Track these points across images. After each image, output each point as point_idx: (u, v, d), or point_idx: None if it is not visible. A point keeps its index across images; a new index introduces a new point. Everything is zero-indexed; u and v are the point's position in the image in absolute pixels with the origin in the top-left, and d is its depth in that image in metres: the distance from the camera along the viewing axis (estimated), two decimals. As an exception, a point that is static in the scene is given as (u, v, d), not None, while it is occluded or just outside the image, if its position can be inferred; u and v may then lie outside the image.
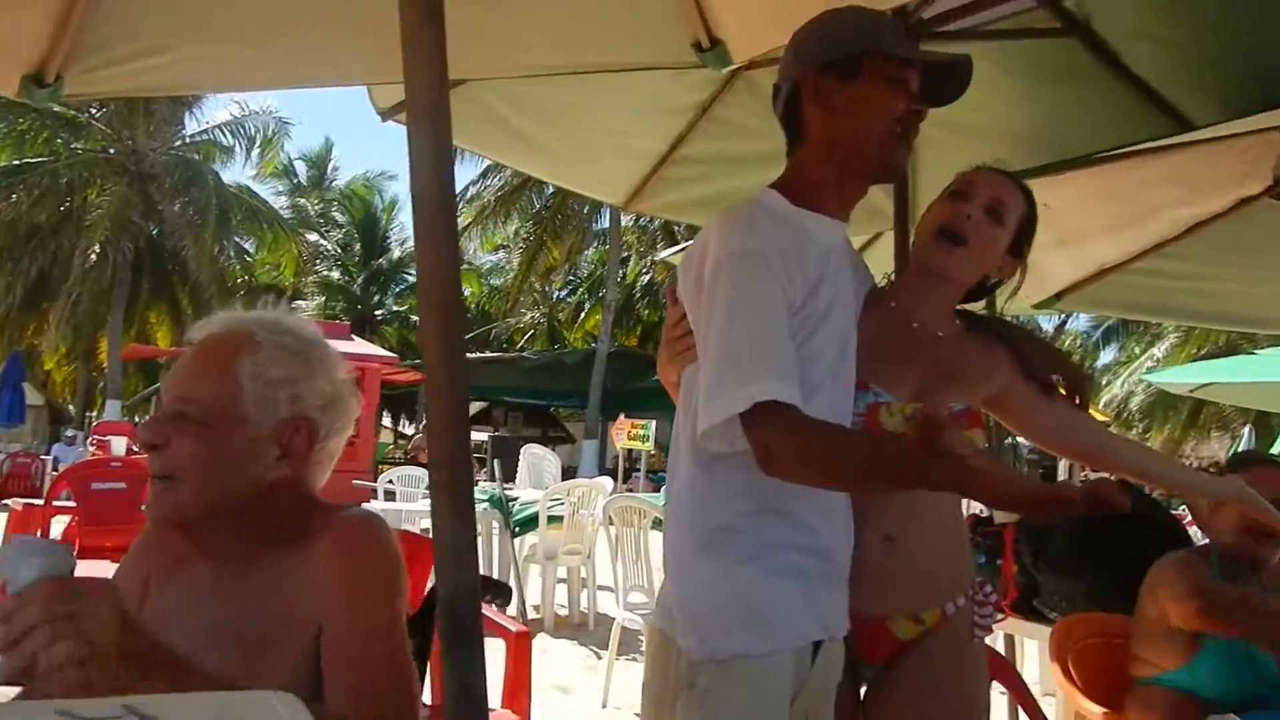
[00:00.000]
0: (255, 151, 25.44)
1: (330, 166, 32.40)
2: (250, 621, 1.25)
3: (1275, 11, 2.22)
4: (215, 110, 24.97)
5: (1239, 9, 2.28)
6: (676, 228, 22.60)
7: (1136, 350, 26.38)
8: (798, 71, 1.54)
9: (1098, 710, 2.37)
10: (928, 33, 2.57)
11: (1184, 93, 2.68)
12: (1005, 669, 2.51)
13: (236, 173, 34.06)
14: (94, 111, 22.63)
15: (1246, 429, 15.57)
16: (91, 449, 12.71)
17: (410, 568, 1.33)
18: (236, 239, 25.62)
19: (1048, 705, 2.58)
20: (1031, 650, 4.61)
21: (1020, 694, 2.50)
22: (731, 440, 1.35)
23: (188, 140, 24.80)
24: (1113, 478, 1.76)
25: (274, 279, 27.84)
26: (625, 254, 26.31)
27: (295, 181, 31.31)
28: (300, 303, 27.86)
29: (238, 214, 24.19)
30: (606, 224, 24.98)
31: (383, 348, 21.35)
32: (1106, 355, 28.27)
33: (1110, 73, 2.72)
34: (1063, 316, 22.57)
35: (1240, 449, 13.73)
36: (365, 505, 7.07)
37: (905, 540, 1.66)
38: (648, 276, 26.70)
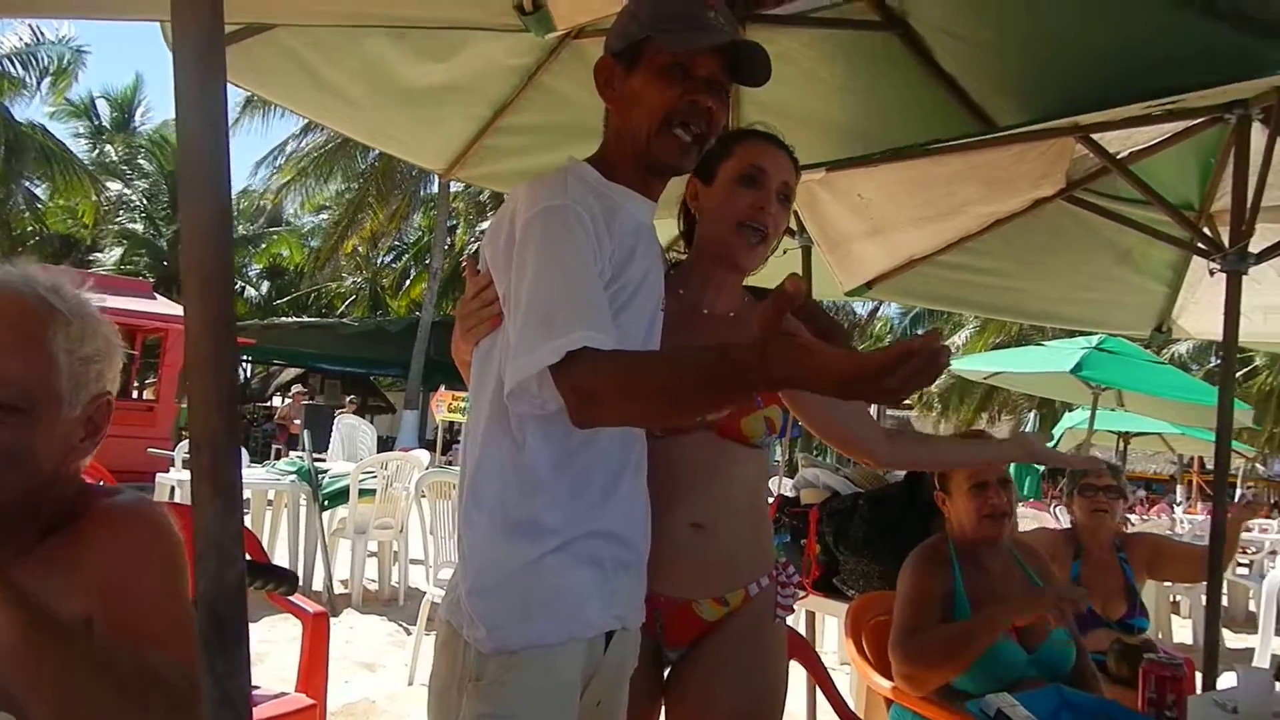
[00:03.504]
0: (46, 82, 23.12)
1: (139, 110, 29.91)
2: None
3: (1074, 21, 2.33)
4: (3, 33, 22.55)
5: (1042, 15, 2.38)
6: (506, 197, 22.27)
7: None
8: (603, 56, 1.51)
9: (886, 685, 2.47)
10: (753, 16, 2.56)
11: (989, 94, 2.80)
12: (803, 648, 2.58)
13: (33, 110, 30.89)
14: None
15: (1032, 414, 16.89)
16: None
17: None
18: (26, 183, 23.31)
19: (845, 675, 2.67)
20: (831, 625, 4.82)
21: (817, 672, 2.57)
22: (544, 400, 1.27)
23: (-31, 68, 22.37)
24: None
25: (70, 228, 25.50)
26: (453, 222, 25.69)
27: (97, 123, 28.69)
28: (97, 255, 25.75)
29: (30, 153, 21.94)
30: (435, 190, 24.28)
31: (189, 308, 20.02)
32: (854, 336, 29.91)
33: (924, 69, 2.80)
34: (876, 303, 23.73)
35: (1026, 430, 14.86)
36: (164, 474, 6.64)
37: (713, 527, 1.67)
38: (476, 245, 26.21)
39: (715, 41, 1.42)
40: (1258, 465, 28.06)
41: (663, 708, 1.77)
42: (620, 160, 1.49)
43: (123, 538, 1.20)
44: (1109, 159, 3.00)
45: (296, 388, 15.24)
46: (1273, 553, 7.32)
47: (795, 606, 1.86)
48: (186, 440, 9.23)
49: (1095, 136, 2.95)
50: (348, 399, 13.91)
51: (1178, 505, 15.89)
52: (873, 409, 1.84)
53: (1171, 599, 7.47)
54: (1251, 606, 8.30)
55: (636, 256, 1.45)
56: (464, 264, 1.72)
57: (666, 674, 1.77)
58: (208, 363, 0.99)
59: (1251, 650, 5.94)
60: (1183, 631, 7.46)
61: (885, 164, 2.95)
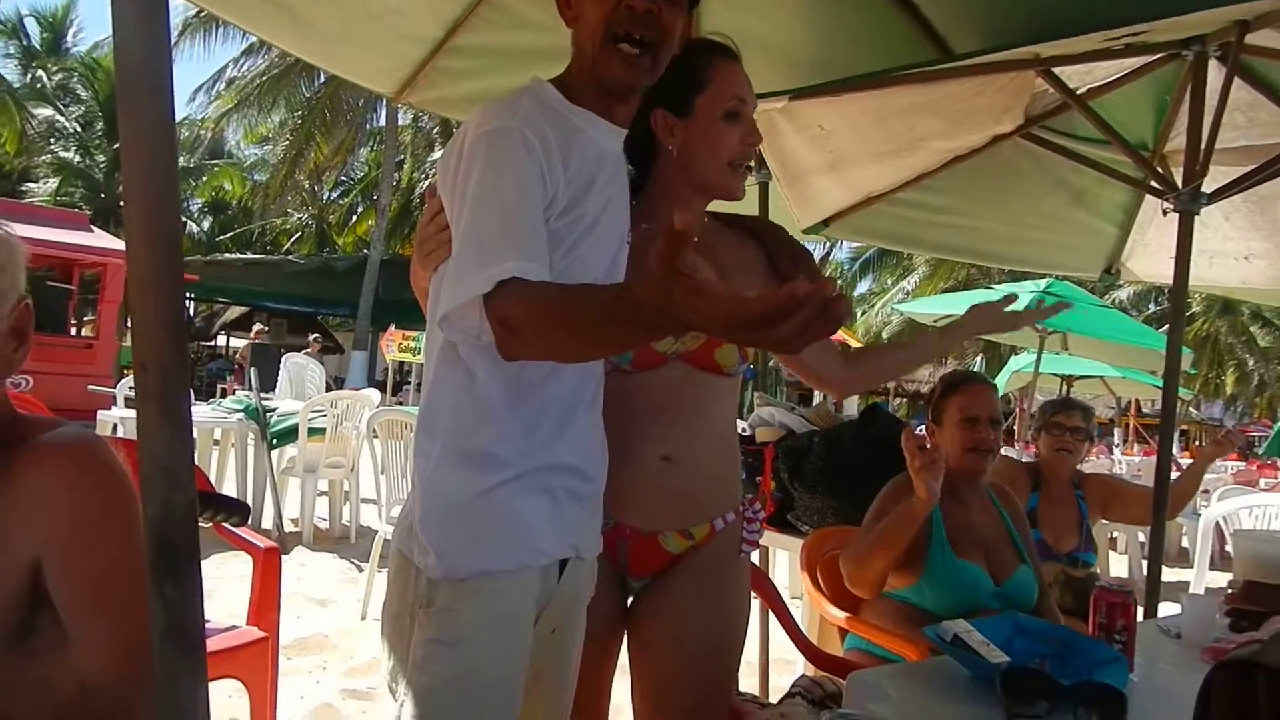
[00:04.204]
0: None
1: (71, 30, 28.62)
2: None
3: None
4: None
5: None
6: (455, 129, 21.83)
7: (889, 282, 28.42)
8: None
9: (840, 616, 2.51)
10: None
11: (953, 25, 2.75)
12: (761, 579, 2.61)
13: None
14: None
15: (979, 358, 17.20)
16: None
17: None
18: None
19: (795, 608, 2.72)
20: (783, 559, 4.89)
21: (774, 602, 2.60)
22: (478, 331, 1.23)
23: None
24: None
25: (-3, 157, 24.48)
26: (400, 157, 25.14)
27: (26, 44, 27.42)
28: (30, 185, 24.80)
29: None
30: (383, 122, 23.67)
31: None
32: (863, 285, 30.25)
33: (887, -4, 2.75)
34: (827, 246, 23.82)
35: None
36: (106, 412, 6.51)
37: (684, 460, 1.67)
38: (426, 181, 25.72)
39: None
40: (1191, 409, 28.97)
41: (625, 636, 1.77)
42: (581, 82, 1.43)
43: (71, 482, 1.13)
44: (1068, 94, 2.99)
45: (257, 326, 14.95)
46: (1205, 491, 7.56)
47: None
48: (128, 376, 9.07)
49: (1055, 71, 2.94)
50: (311, 338, 13.70)
51: (1116, 447, 16.37)
52: None
53: (1110, 535, 7.71)
54: (1184, 543, 8.61)
55: (597, 185, 1.41)
56: (425, 194, 1.67)
57: (630, 603, 1.77)
58: (152, 282, 0.94)
59: (1184, 583, 6.16)
60: (1119, 566, 7.72)
61: (848, 93, 2.91)
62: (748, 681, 2.77)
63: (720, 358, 1.67)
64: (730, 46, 1.66)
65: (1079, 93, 3.07)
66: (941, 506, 2.40)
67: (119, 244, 14.72)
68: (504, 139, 1.28)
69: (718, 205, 1.75)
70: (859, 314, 27.21)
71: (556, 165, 1.32)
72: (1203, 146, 2.82)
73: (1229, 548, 5.07)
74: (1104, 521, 3.66)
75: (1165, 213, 2.95)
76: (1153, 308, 27.57)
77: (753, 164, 1.67)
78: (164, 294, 0.97)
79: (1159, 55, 2.92)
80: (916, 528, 2.24)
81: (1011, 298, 2.04)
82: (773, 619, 2.65)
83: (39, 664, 1.14)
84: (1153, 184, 3.11)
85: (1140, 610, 2.29)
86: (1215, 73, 2.81)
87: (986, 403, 2.49)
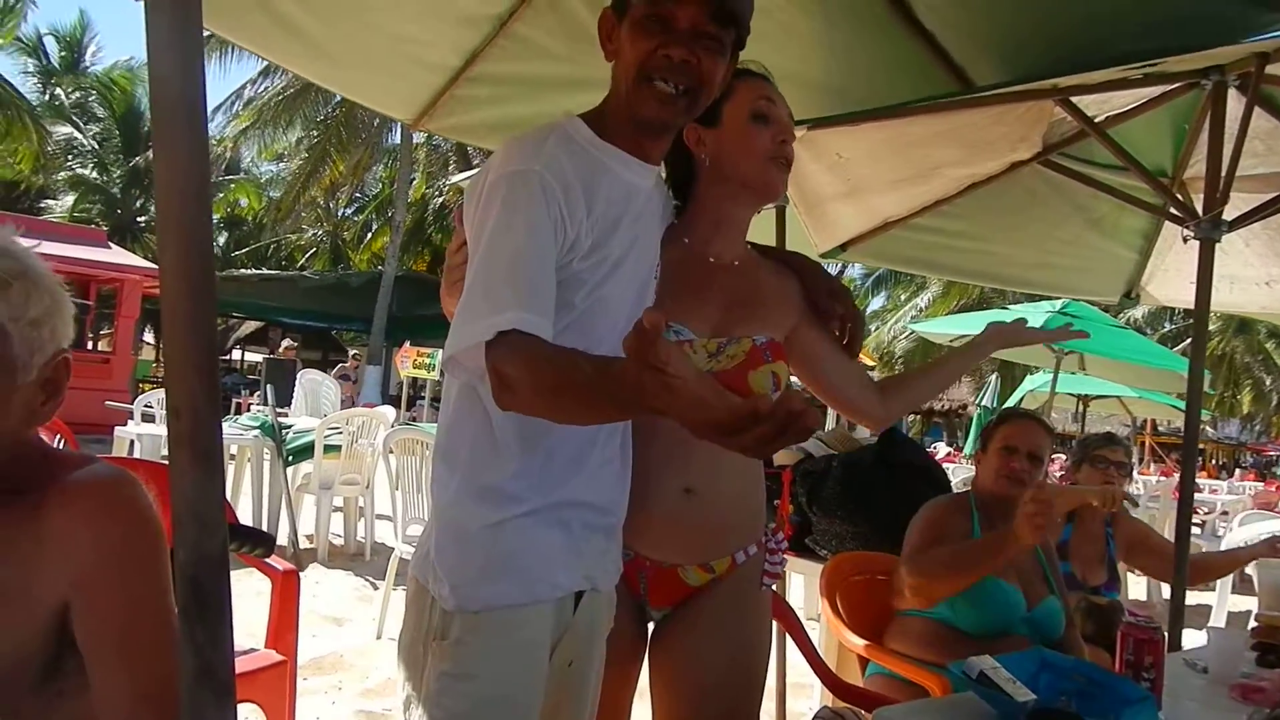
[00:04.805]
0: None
1: (88, 49, 28.86)
2: None
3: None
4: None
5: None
6: (470, 149, 21.95)
7: (902, 299, 28.35)
8: (605, 8, 1.46)
9: (860, 643, 2.50)
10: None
11: (970, 54, 2.76)
12: (781, 606, 2.60)
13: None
14: None
15: (994, 377, 17.12)
16: None
17: (167, 505, 1.18)
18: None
19: (810, 629, 2.72)
20: (797, 582, 4.88)
21: (795, 630, 2.60)
22: (482, 374, 1.22)
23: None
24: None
25: (14, 174, 24.63)
26: (414, 175, 25.28)
27: (46, 63, 27.71)
28: (49, 202, 25.01)
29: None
30: (398, 140, 23.82)
31: (144, 258, 19.47)
32: (875, 302, 30.16)
33: (904, 26, 2.76)
34: (840, 264, 23.74)
35: (987, 395, 15.11)
36: (123, 428, 6.52)
37: (706, 492, 1.65)
38: (440, 199, 25.84)
39: None
40: (1208, 428, 28.76)
41: (644, 661, 1.77)
42: (615, 117, 1.44)
43: (95, 523, 1.12)
44: (1086, 122, 2.99)
45: (286, 342, 15.01)
46: (1224, 513, 7.50)
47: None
48: (146, 393, 9.11)
49: (1073, 100, 2.94)
50: (352, 354, 13.83)
51: (1133, 467, 16.22)
52: None
53: (1128, 556, 7.64)
54: (1202, 565, 8.51)
55: (623, 225, 1.41)
56: (453, 218, 1.68)
57: (651, 630, 1.76)
58: (186, 321, 0.94)
59: (1204, 606, 6.10)
60: (1137, 588, 7.65)
61: (867, 123, 2.91)
62: (765, 706, 2.76)
63: (754, 383, 1.62)
64: (753, 68, 1.67)
65: (1097, 120, 3.07)
66: (980, 527, 2.48)
67: (136, 260, 14.86)
68: (523, 183, 1.29)
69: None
70: (872, 329, 27.10)
71: (579, 208, 1.33)
72: (1223, 174, 2.81)
73: (1248, 569, 5.00)
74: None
75: (1185, 240, 2.94)
76: (1168, 326, 27.40)
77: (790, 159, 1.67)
78: (198, 336, 0.97)
79: (1177, 84, 2.91)
80: (998, 565, 2.26)
81: (1023, 322, 2.04)
82: (790, 642, 2.65)
83: (66, 705, 1.14)
84: (1172, 211, 3.10)
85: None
86: (1234, 101, 2.81)
87: (1028, 437, 2.57)
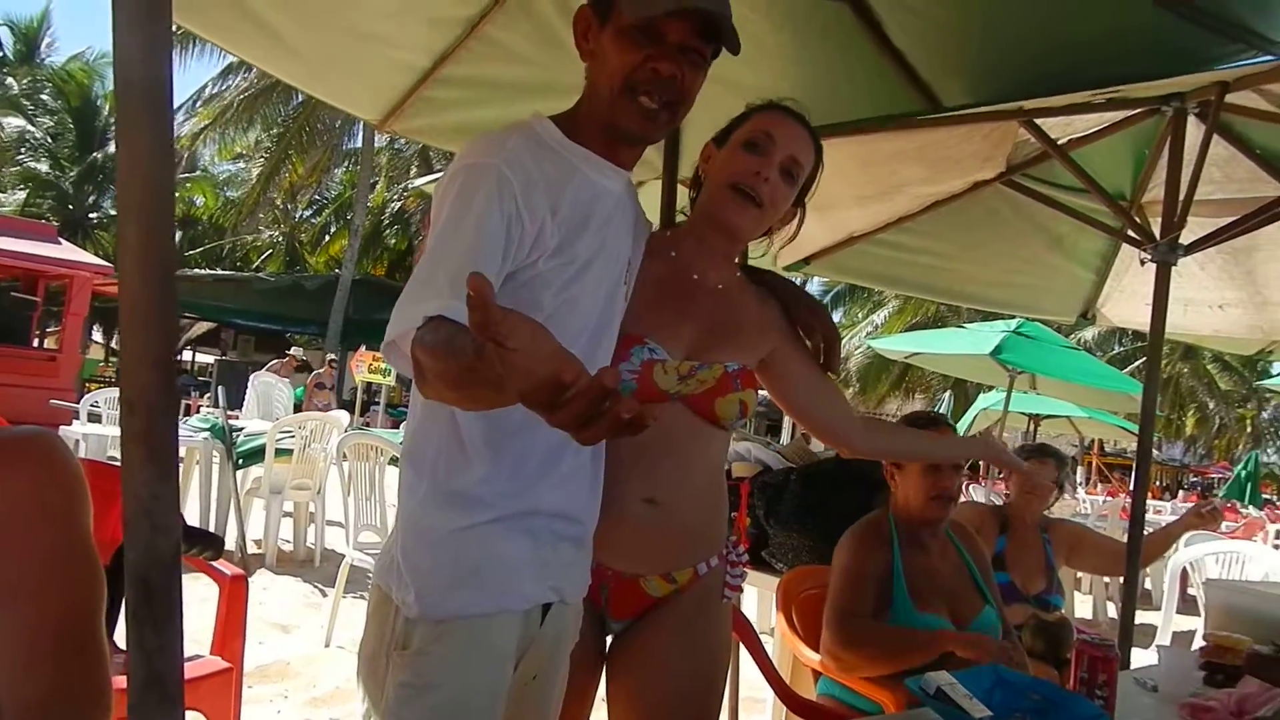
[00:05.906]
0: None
1: (44, 40, 28.29)
2: None
3: (1037, 7, 2.33)
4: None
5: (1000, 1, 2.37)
6: (432, 153, 21.82)
7: (859, 315, 28.64)
8: (582, 6, 1.44)
9: (815, 658, 2.49)
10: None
11: (939, 73, 2.78)
12: (743, 624, 2.58)
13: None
14: None
15: (947, 394, 17.34)
16: None
17: (107, 505, 1.11)
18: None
19: (764, 642, 2.70)
20: (751, 594, 4.88)
21: (751, 643, 2.58)
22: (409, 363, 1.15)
23: None
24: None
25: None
26: (375, 179, 25.07)
27: (1, 54, 27.10)
28: (-1, 196, 24.45)
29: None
30: (359, 143, 23.61)
31: (96, 254, 19.00)
32: (833, 318, 30.39)
33: (874, 44, 2.77)
34: (800, 280, 23.92)
35: (940, 410, 15.26)
36: (68, 427, 6.37)
37: (668, 504, 1.63)
38: (399, 203, 25.64)
39: (674, 7, 1.33)
40: (1153, 450, 29.34)
41: (603, 678, 1.75)
42: (588, 120, 1.42)
43: (13, 473, 1.01)
44: (1050, 144, 3.03)
45: (294, 350, 14.62)
46: (1169, 533, 7.65)
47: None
48: (92, 392, 8.90)
49: (1037, 122, 2.98)
50: (290, 351, 13.50)
51: (1079, 486, 16.52)
52: None
53: (1076, 576, 7.75)
54: (1147, 584, 8.67)
55: (591, 226, 1.39)
56: (420, 222, 1.66)
57: (609, 644, 1.74)
58: (145, 316, 0.91)
59: (1149, 626, 6.20)
60: (1084, 608, 7.76)
61: (834, 138, 2.92)
62: (720, 722, 2.75)
63: (720, 409, 1.63)
64: (793, 107, 1.67)
65: (1060, 143, 3.11)
66: (903, 555, 2.41)
67: (86, 256, 14.52)
68: (479, 175, 1.27)
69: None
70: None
71: (540, 205, 1.30)
72: (1180, 199, 2.86)
73: (1191, 590, 5.10)
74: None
75: (1143, 262, 2.99)
76: (1117, 348, 27.94)
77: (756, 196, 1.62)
78: (157, 330, 0.94)
79: (1139, 110, 2.96)
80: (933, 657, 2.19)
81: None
82: (744, 655, 2.64)
83: None
84: (1130, 233, 3.16)
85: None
86: (1194, 128, 2.87)
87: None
